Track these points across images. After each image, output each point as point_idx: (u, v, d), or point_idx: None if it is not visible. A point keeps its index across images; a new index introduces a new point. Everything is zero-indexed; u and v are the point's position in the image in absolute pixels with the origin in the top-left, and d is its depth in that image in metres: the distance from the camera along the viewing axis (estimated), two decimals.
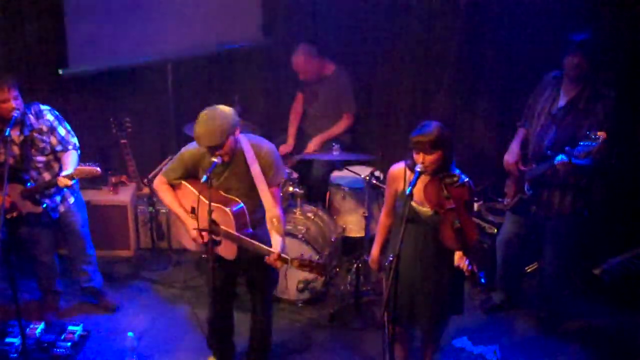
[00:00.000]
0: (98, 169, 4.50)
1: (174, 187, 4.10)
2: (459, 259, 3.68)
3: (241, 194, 3.94)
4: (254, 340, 4.49)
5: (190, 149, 4.00)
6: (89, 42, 5.59)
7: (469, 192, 3.68)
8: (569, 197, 4.60)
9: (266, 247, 3.84)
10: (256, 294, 4.32)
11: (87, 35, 5.56)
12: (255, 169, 3.89)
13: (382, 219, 4.11)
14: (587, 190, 4.64)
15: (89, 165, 4.52)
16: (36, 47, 5.69)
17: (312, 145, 5.89)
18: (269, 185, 3.93)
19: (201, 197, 3.75)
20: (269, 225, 3.93)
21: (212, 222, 3.84)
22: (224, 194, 3.95)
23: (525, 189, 4.67)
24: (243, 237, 3.86)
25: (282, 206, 4.08)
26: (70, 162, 4.63)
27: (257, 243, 3.85)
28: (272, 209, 3.91)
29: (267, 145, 4.00)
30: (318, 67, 5.81)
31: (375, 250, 4.17)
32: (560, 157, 4.27)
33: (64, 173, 4.51)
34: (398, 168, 3.89)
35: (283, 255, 3.80)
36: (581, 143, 4.12)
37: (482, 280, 3.73)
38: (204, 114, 3.80)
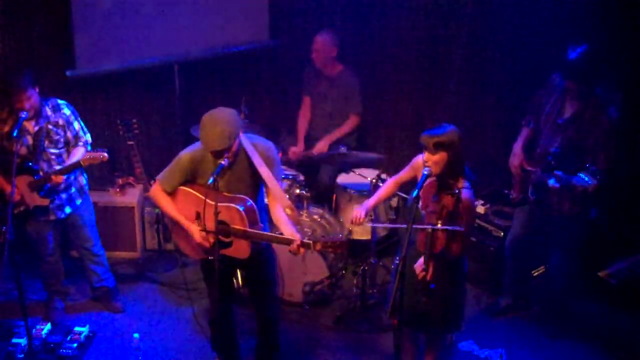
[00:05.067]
0: (105, 154, 4.52)
1: (169, 193, 4.07)
2: (418, 262, 3.73)
3: (243, 194, 3.95)
4: (261, 341, 4.47)
5: (187, 154, 3.97)
6: (96, 44, 5.60)
7: (455, 204, 3.65)
8: (573, 201, 4.57)
9: (286, 237, 3.84)
10: (260, 293, 4.31)
11: (94, 37, 5.58)
12: (262, 166, 3.90)
13: (390, 183, 4.24)
14: (592, 195, 4.60)
15: (96, 151, 4.55)
16: (43, 48, 5.70)
17: (320, 146, 5.88)
18: None
19: (207, 199, 3.75)
20: (280, 217, 3.93)
21: (221, 223, 3.86)
22: (228, 194, 3.95)
23: (529, 194, 4.65)
24: (259, 232, 3.87)
25: None
26: (74, 157, 4.66)
27: (274, 235, 3.86)
28: (284, 200, 3.93)
29: (266, 143, 4.03)
30: (331, 55, 5.80)
31: (368, 202, 4.22)
32: (551, 182, 4.27)
33: (58, 167, 4.57)
34: (421, 160, 3.90)
35: (305, 240, 3.79)
36: (580, 174, 4.10)
37: (431, 286, 3.73)
38: (209, 118, 3.78)
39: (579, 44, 4.39)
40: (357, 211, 4.17)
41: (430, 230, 3.63)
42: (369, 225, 4.40)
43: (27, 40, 5.64)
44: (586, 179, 4.08)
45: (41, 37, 5.67)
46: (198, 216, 3.94)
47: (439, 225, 3.65)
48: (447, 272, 3.85)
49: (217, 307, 4.18)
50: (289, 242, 3.82)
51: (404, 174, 4.13)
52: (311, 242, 3.78)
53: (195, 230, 3.94)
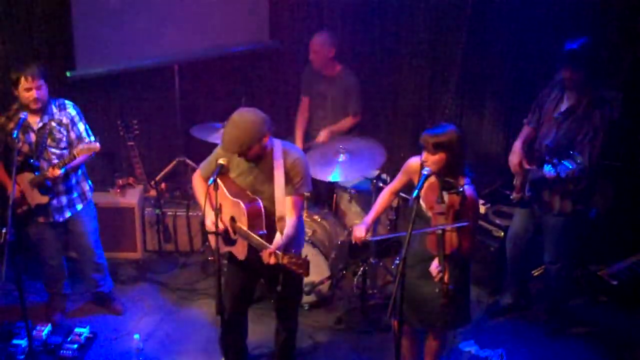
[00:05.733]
0: (97, 144, 4.53)
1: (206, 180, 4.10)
2: (433, 264, 3.72)
3: (266, 197, 3.94)
4: (278, 348, 4.51)
5: None
6: (97, 45, 5.61)
7: (461, 202, 3.65)
8: (570, 199, 4.57)
9: (264, 242, 3.83)
10: (280, 301, 4.32)
11: (94, 38, 5.58)
12: (278, 172, 3.90)
13: (385, 194, 4.22)
14: (586, 192, 4.60)
15: (88, 142, 4.56)
16: (44, 49, 5.70)
17: (322, 136, 5.86)
18: (292, 193, 3.94)
19: (217, 194, 3.78)
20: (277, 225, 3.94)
21: (231, 219, 3.90)
22: (249, 193, 3.96)
23: (526, 190, 4.65)
24: (246, 230, 3.86)
25: (299, 215, 4.07)
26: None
27: (257, 238, 3.83)
28: (281, 210, 3.91)
29: (298, 153, 4.02)
30: (329, 56, 5.77)
31: (367, 218, 4.21)
32: (547, 169, 4.27)
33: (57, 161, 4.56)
34: (416, 162, 3.92)
35: (277, 251, 3.78)
36: (563, 162, 4.12)
37: (450, 287, 3.72)
38: (234, 118, 3.82)
39: (578, 37, 4.39)
40: (358, 229, 4.18)
41: (440, 231, 3.63)
42: (371, 239, 4.39)
43: (28, 40, 5.65)
44: (570, 165, 4.10)
45: (41, 37, 5.67)
46: (220, 207, 3.94)
47: (448, 225, 3.64)
48: (455, 269, 3.85)
49: (229, 308, 4.18)
50: (265, 247, 3.81)
51: (397, 181, 4.14)
52: (280, 254, 3.77)
53: (209, 218, 3.96)
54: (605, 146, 4.39)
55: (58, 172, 4.55)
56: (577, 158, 4.11)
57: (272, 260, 3.78)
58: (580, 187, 4.51)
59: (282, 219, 3.91)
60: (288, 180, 3.92)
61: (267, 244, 3.81)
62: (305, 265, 3.75)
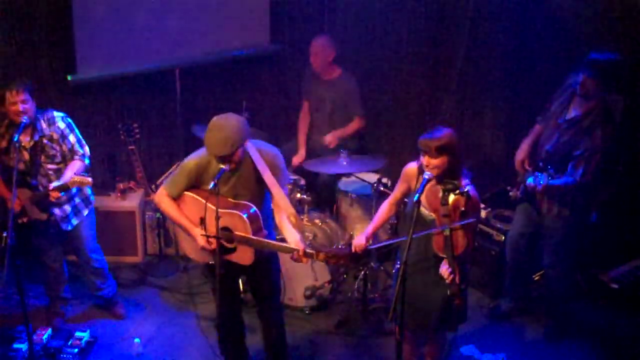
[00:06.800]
0: (89, 178, 4.51)
1: (175, 198, 4.08)
2: (443, 266, 3.70)
3: (249, 200, 3.95)
4: (270, 352, 4.48)
5: (193, 160, 3.98)
6: (98, 48, 5.62)
7: (466, 203, 3.65)
8: (568, 202, 4.55)
9: (289, 246, 3.85)
10: (264, 302, 4.32)
11: (95, 41, 5.59)
12: (267, 172, 3.89)
13: (386, 206, 4.19)
14: (586, 196, 4.58)
15: (81, 175, 4.53)
16: (44, 53, 5.70)
17: (328, 139, 5.84)
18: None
19: (208, 204, 3.76)
20: (284, 224, 3.94)
21: (225, 229, 3.85)
22: (232, 200, 3.95)
23: (520, 192, 4.65)
24: (262, 239, 3.87)
25: None
26: (69, 172, 4.61)
27: (278, 243, 3.88)
28: (287, 208, 3.92)
29: (272, 150, 4.04)
30: (328, 59, 5.79)
31: (368, 229, 4.18)
32: (530, 180, 4.27)
33: (54, 184, 4.51)
34: (412, 167, 3.94)
35: (308, 250, 3.80)
36: (540, 174, 4.14)
37: (462, 287, 3.72)
38: (217, 122, 3.79)
39: (607, 50, 4.39)
40: (358, 239, 4.17)
41: (448, 232, 3.63)
42: (372, 247, 4.40)
43: (29, 44, 5.64)
44: (544, 176, 4.12)
45: (42, 41, 5.67)
46: (202, 221, 3.94)
47: (457, 223, 3.64)
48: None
49: (221, 311, 4.19)
50: (292, 251, 3.83)
51: (397, 191, 4.12)
52: (314, 252, 3.78)
53: (197, 234, 3.95)
54: (601, 165, 4.39)
55: (58, 194, 4.53)
56: (551, 175, 4.14)
57: (305, 261, 3.83)
58: (574, 193, 4.50)
59: (292, 214, 3.91)
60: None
61: (294, 247, 3.83)
62: (346, 256, 3.78)
